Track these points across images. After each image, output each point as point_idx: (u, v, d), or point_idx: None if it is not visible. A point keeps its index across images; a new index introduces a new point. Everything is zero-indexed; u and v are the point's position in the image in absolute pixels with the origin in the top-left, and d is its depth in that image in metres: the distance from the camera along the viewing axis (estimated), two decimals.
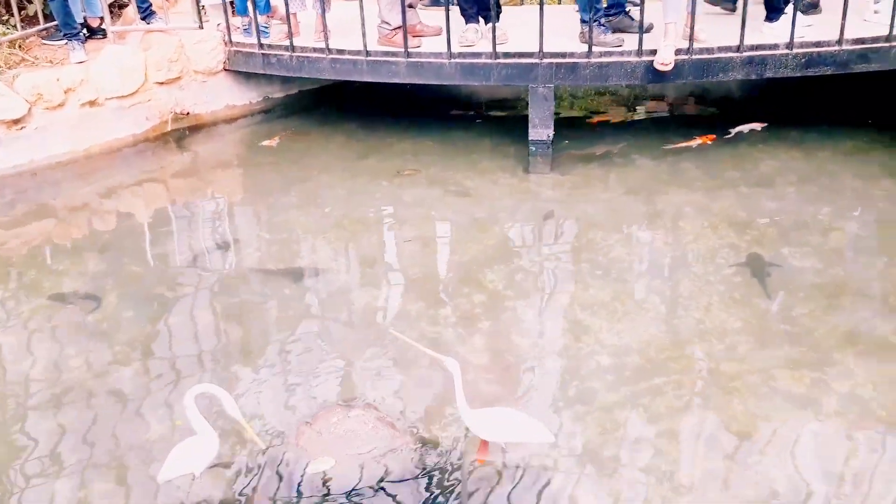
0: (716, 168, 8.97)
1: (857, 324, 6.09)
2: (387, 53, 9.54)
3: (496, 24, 9.26)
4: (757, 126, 9.70)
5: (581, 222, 8.02)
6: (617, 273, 6.99)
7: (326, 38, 9.71)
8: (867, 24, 9.15)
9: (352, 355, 6.02)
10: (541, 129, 9.28)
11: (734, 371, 5.67)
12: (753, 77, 9.02)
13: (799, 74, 8.92)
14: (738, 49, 8.80)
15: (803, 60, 8.82)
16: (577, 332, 6.21)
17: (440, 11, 9.56)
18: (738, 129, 9.77)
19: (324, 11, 9.74)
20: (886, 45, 8.76)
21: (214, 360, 6.02)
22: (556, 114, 9.59)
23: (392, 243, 7.89)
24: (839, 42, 8.74)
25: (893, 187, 8.30)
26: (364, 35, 9.41)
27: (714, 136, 9.61)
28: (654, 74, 8.86)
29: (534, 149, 9.41)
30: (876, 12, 9.26)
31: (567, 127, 10.27)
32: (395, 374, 5.78)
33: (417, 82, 9.61)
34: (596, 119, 10.70)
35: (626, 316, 6.38)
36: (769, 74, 8.92)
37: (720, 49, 8.85)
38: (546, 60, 9.01)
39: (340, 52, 9.71)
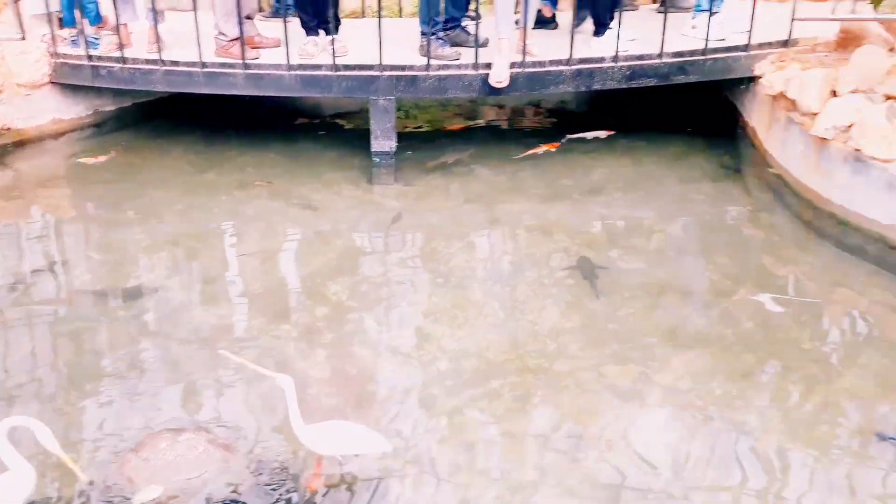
0: (551, 177, 9.30)
1: (677, 320, 6.45)
2: (224, 65, 9.32)
3: (336, 37, 9.24)
4: (602, 133, 10.15)
5: (424, 231, 8.11)
6: (458, 280, 7.10)
7: (160, 50, 9.38)
8: (685, 39, 9.77)
9: (186, 376, 5.82)
10: (383, 141, 9.33)
11: (567, 369, 5.87)
12: (583, 89, 9.44)
13: (624, 86, 9.41)
14: (567, 62, 9.18)
15: (628, 73, 9.31)
16: (418, 340, 6.26)
17: (280, 23, 9.44)
18: (582, 135, 10.18)
19: (156, 22, 9.42)
20: (702, 58, 9.39)
21: (39, 389, 5.66)
22: (414, 127, 9.72)
23: (232, 258, 7.69)
24: (660, 55, 9.29)
25: (712, 190, 8.89)
26: (199, 46, 9.14)
27: (558, 143, 9.99)
28: (491, 88, 9.11)
29: (377, 160, 9.45)
30: (693, 27, 9.92)
31: (410, 138, 10.38)
32: (229, 394, 5.63)
33: (256, 94, 9.43)
34: (450, 127, 10.88)
35: (467, 322, 6.49)
36: (597, 86, 9.36)
37: (551, 62, 9.21)
38: (386, 73, 9.08)
39: (175, 63, 9.40)
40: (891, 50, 8.13)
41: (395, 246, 7.93)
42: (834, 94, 8.16)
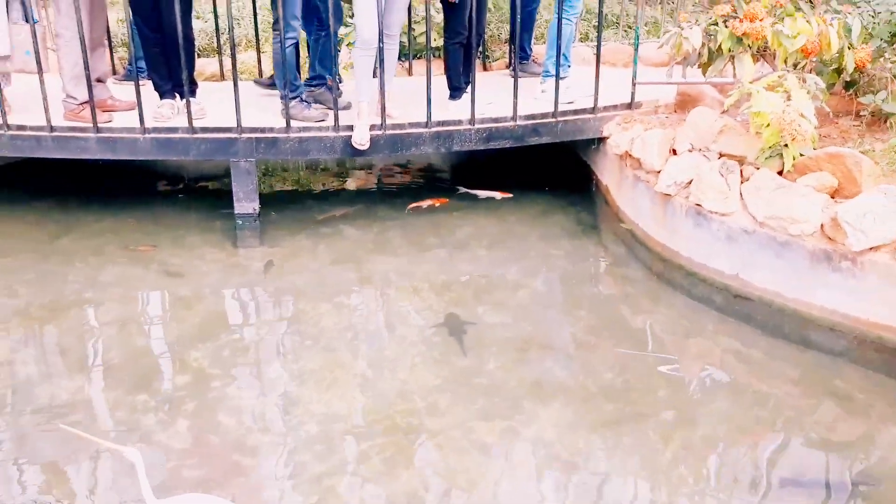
0: (418, 236, 9.36)
1: (541, 373, 6.58)
2: (74, 129, 8.92)
3: (193, 100, 9.04)
4: (498, 195, 10.19)
5: (290, 294, 7.97)
6: (326, 342, 7.01)
7: (5, 114, 8.87)
8: (537, 102, 10.15)
9: (34, 453, 5.40)
10: (246, 203, 9.15)
11: (437, 427, 5.87)
12: (443, 150, 9.62)
13: (482, 147, 9.65)
14: (426, 125, 9.34)
15: (485, 134, 9.56)
16: (285, 405, 6.09)
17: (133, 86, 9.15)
18: (475, 192, 10.29)
19: (2, 85, 8.91)
20: (552, 119, 9.76)
21: None
22: (280, 188, 9.53)
23: (88, 328, 7.26)
24: (514, 118, 9.60)
25: (570, 246, 9.17)
26: (47, 110, 8.72)
27: (446, 198, 10.11)
28: (354, 149, 9.13)
29: (240, 222, 9.25)
30: (543, 91, 10.32)
31: (277, 199, 10.22)
32: (81, 471, 5.25)
33: (111, 158, 9.07)
34: (316, 188, 10.83)
35: (335, 384, 6.39)
36: (456, 147, 9.56)
37: (411, 125, 9.35)
38: (245, 135, 8.95)
39: (21, 127, 8.91)
40: (723, 112, 8.68)
41: (261, 309, 7.73)
42: (674, 152, 8.64)
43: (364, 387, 6.35)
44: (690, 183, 8.04)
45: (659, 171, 8.50)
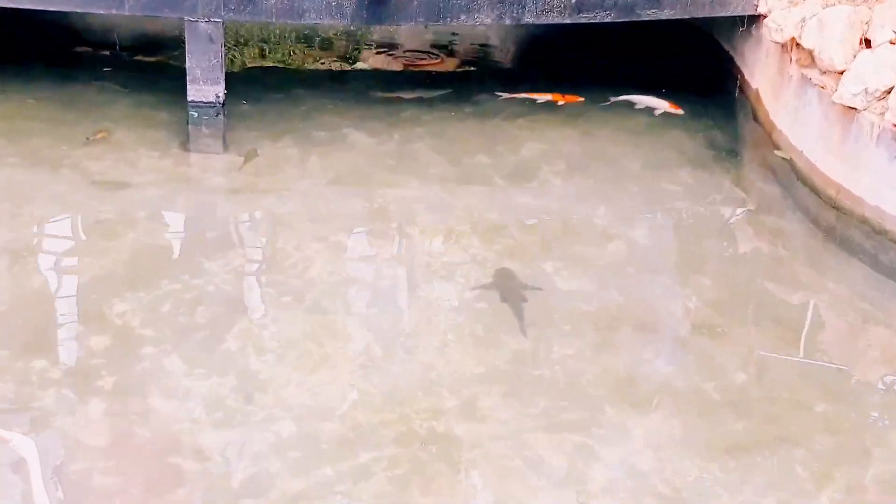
0: (459, 151, 9.32)
1: (634, 367, 6.52)
2: None
3: None
4: (668, 106, 10.23)
5: (265, 225, 8.03)
6: (314, 300, 7.01)
7: None
8: None
9: None
10: (205, 86, 9.14)
11: (473, 437, 5.84)
12: (508, 22, 9.49)
13: (570, 21, 9.48)
14: None
15: (573, 2, 9.38)
16: (247, 389, 6.12)
17: None
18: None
19: None
20: None
21: None
22: (256, 66, 9.55)
23: None
24: None
25: (693, 180, 9.04)
26: None
27: (581, 97, 10.30)
28: (370, 12, 9.03)
29: (195, 114, 9.25)
30: None
31: (250, 83, 10.21)
32: None
33: (11, 6, 9.10)
34: (311, 68, 10.77)
35: (325, 362, 6.39)
36: (529, 19, 9.41)
37: None
38: None
39: None
40: None
41: (220, 245, 7.71)
42: (867, 43, 8.41)
43: (368, 370, 6.33)
44: (890, 92, 7.84)
45: (842, 72, 8.27)
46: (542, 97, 10.36)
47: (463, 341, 6.70)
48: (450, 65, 11.59)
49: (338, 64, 11.32)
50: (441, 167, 8.93)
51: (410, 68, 11.34)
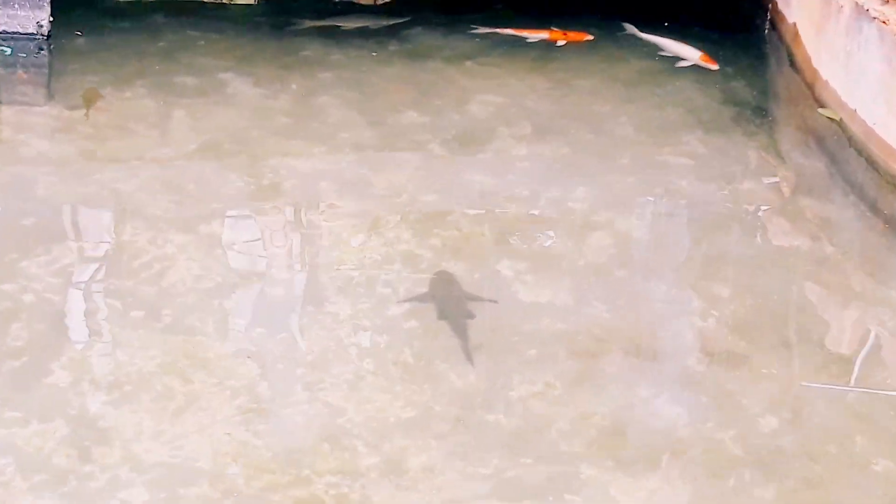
0: (381, 106, 9.44)
1: (624, 410, 6.51)
2: None
3: None
4: (699, 58, 10.35)
5: (107, 211, 7.97)
6: (175, 315, 6.98)
7: None
8: None
9: None
10: (22, 10, 9.08)
11: None
12: None
13: None
14: None
15: None
16: (83, 442, 6.02)
17: None
18: (653, 40, 10.59)
19: None
20: None
21: None
22: None
23: None
24: None
25: (705, 149, 9.12)
26: None
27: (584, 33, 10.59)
28: None
29: (8, 50, 9.19)
30: None
31: (88, 6, 10.12)
32: None
33: None
34: None
35: (192, 404, 6.33)
36: None
37: None
38: None
39: None
40: None
41: (43, 235, 7.59)
42: None
43: (251, 415, 6.26)
44: None
45: None
46: (535, 34, 10.51)
47: (386, 374, 6.66)
48: None
49: None
50: (356, 129, 8.90)
51: None
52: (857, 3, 8.80)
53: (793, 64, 10.06)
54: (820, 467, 6.23)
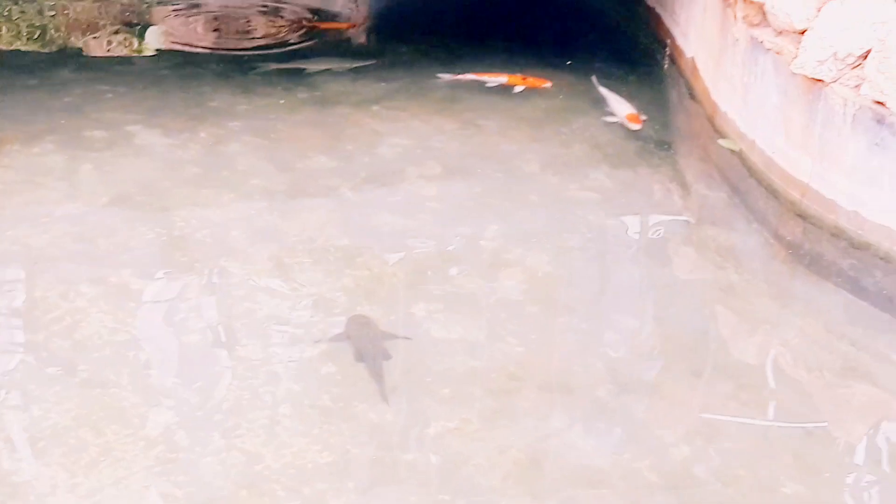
0: (291, 152, 9.41)
1: (540, 443, 6.54)
2: None
3: None
4: (625, 117, 10.20)
5: (16, 266, 7.88)
6: (90, 368, 6.90)
7: None
8: None
9: None
10: None
11: None
12: None
13: None
14: None
15: None
16: (1, 496, 5.90)
17: None
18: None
19: None
20: None
21: None
22: None
23: None
24: None
25: (612, 183, 9.16)
26: None
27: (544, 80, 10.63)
28: None
29: None
30: None
31: None
32: None
33: None
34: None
35: (107, 456, 6.26)
36: None
37: None
38: None
39: None
40: None
41: None
42: None
43: (169, 465, 6.19)
44: (866, 58, 7.95)
45: (803, 32, 8.38)
46: (494, 78, 10.51)
47: (303, 418, 6.60)
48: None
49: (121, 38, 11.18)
50: (266, 176, 8.88)
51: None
52: (751, 36, 8.88)
53: (693, 97, 10.15)
54: (732, 491, 6.25)
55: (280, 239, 8.24)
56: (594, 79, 10.59)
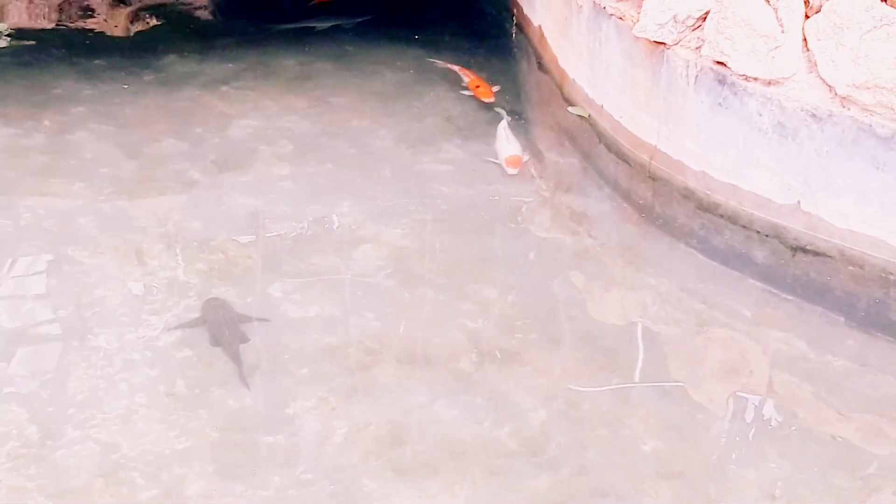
0: (139, 137, 9.28)
1: (401, 418, 6.51)
2: None
3: None
4: (504, 161, 9.25)
5: None
6: None
7: None
8: None
9: None
10: None
11: None
12: None
13: None
14: None
15: None
16: None
17: None
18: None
19: None
20: None
21: None
22: None
23: None
24: None
25: (463, 154, 9.24)
26: None
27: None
28: None
29: None
30: None
31: None
32: None
33: None
34: None
35: None
36: None
37: None
38: None
39: None
40: None
41: None
42: None
43: (21, 460, 6.11)
44: (705, 19, 8.01)
45: None
46: (466, 75, 10.44)
47: (158, 405, 6.53)
48: None
49: None
50: (114, 162, 8.78)
51: None
52: (594, 2, 8.93)
53: (541, 66, 10.18)
54: (592, 454, 6.29)
55: (130, 225, 8.13)
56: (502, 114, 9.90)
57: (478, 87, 10.20)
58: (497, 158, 9.20)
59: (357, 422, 6.47)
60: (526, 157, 9.18)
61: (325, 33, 11.32)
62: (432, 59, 10.72)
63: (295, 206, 8.42)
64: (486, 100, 10.07)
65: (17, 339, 7.13)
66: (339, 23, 11.63)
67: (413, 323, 7.36)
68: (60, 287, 7.61)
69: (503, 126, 9.55)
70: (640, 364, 7.09)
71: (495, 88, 10.19)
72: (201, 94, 9.98)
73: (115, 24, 11.45)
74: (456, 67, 10.44)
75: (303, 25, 11.68)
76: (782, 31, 7.67)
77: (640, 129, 8.55)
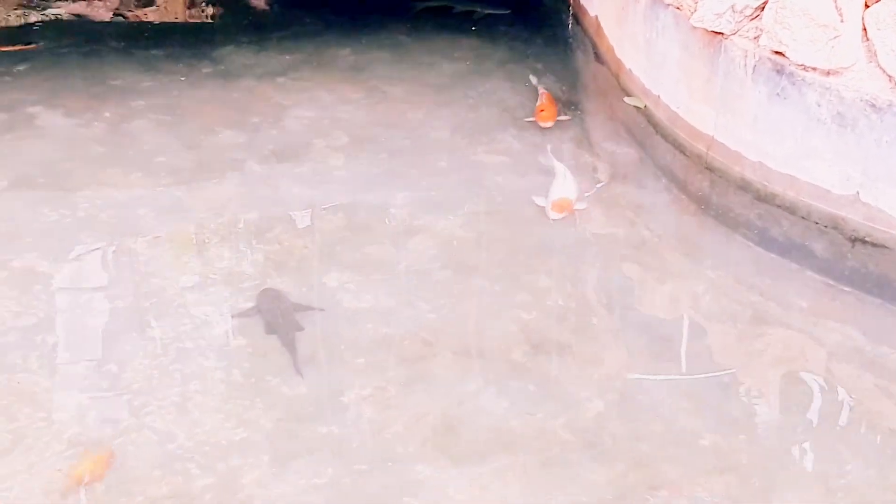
0: (196, 128, 9.36)
1: (455, 408, 6.51)
2: None
3: None
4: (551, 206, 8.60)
5: None
6: None
7: None
8: None
9: None
10: None
11: None
12: None
13: None
14: None
15: None
16: None
17: None
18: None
19: None
20: None
21: None
22: None
23: None
24: None
25: (520, 145, 9.22)
26: None
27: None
28: None
29: None
30: None
31: None
32: None
33: None
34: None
35: (19, 443, 6.17)
36: None
37: None
38: None
39: None
40: None
41: None
42: None
43: (82, 448, 6.13)
44: (763, 9, 7.95)
45: None
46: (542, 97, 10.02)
47: (214, 393, 6.56)
48: None
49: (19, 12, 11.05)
50: (172, 153, 8.82)
51: None
52: None
53: (598, 56, 10.16)
54: (648, 447, 6.26)
55: (187, 216, 8.18)
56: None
57: (542, 110, 9.67)
58: (542, 202, 8.48)
59: (412, 412, 6.47)
60: (581, 206, 8.41)
61: (380, 24, 11.27)
62: (529, 78, 10.41)
63: (350, 197, 8.43)
64: (543, 124, 9.55)
65: (76, 328, 7.18)
66: (473, 9, 11.77)
67: (467, 314, 7.34)
68: (118, 277, 7.65)
69: (563, 168, 8.72)
70: (695, 356, 7.04)
71: (563, 117, 9.69)
72: (257, 84, 10.04)
73: (173, 14, 11.45)
74: (541, 87, 10.26)
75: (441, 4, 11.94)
76: (841, 21, 7.60)
77: (696, 119, 8.49)
